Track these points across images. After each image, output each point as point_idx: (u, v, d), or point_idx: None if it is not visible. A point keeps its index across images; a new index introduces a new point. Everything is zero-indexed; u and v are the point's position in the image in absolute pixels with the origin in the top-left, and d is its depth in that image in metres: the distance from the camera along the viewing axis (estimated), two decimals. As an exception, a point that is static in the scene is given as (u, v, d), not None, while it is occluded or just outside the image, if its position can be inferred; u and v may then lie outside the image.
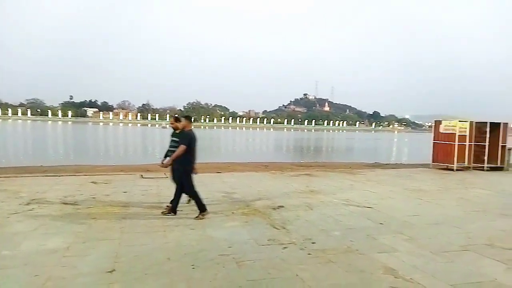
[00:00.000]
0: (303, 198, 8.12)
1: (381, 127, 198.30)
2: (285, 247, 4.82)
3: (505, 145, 15.05)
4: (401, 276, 3.93)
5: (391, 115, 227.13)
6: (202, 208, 6.22)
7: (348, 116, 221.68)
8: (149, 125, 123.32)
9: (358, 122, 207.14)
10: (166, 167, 6.54)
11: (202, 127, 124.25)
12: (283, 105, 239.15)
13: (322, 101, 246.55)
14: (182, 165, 6.19)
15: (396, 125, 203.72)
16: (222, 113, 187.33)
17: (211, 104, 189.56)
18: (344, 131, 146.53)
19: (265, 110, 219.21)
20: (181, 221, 5.93)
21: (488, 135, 14.66)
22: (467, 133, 14.20)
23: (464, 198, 8.70)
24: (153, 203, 7.20)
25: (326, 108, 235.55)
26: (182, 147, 6.09)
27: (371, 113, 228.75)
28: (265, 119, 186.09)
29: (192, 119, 6.79)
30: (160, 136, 49.60)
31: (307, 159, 23.51)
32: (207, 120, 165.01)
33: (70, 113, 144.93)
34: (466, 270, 4.18)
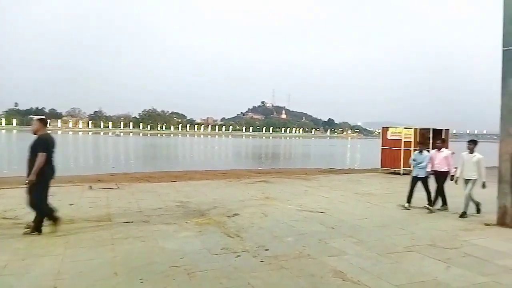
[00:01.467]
0: (258, 205, 8.15)
1: (336, 134, 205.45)
2: (238, 256, 4.79)
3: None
4: (349, 279, 4.06)
5: (344, 122, 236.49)
6: (38, 227, 5.45)
7: (304, 124, 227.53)
8: (102, 133, 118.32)
9: (313, 129, 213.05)
10: (33, 184, 5.33)
11: (158, 134, 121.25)
12: (241, 112, 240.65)
13: (279, 109, 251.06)
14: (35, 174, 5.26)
15: (349, 132, 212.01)
16: (179, 120, 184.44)
17: (167, 111, 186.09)
18: (301, 138, 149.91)
19: (224, 118, 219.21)
20: (131, 233, 5.71)
21: (431, 141, 15.66)
22: (412, 139, 15.08)
23: (410, 200, 9.18)
24: (101, 215, 6.87)
25: (283, 116, 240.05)
26: (42, 156, 5.26)
27: (326, 120, 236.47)
28: (224, 126, 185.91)
29: (48, 122, 6.02)
30: (113, 144, 47.66)
31: (265, 166, 23.73)
32: (163, 127, 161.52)
33: (14, 121, 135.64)
34: (410, 271, 4.39)
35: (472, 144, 7.56)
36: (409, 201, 8.19)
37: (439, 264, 4.61)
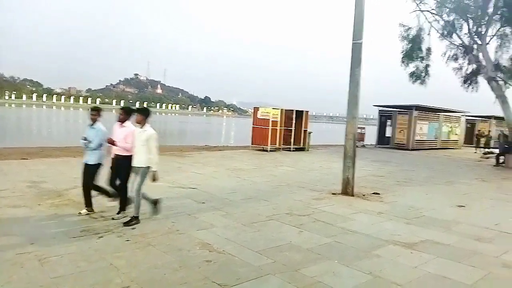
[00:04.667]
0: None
1: (212, 111, 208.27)
2: (100, 237, 4.50)
3: (306, 130, 18.09)
4: (215, 250, 4.25)
5: (220, 100, 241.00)
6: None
7: (180, 100, 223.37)
8: None
9: (190, 106, 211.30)
10: None
11: (6, 104, 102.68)
12: (111, 84, 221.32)
13: (154, 83, 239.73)
14: None
15: (225, 110, 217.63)
16: (34, 89, 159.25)
17: (18, 78, 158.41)
18: (177, 114, 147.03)
19: (90, 89, 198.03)
20: (-37, 220, 4.77)
21: (294, 121, 17.30)
22: (279, 119, 16.39)
23: (274, 174, 10.07)
24: None
25: (159, 91, 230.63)
26: None
27: (203, 98, 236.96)
28: (90, 98, 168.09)
29: None
30: None
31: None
32: (13, 96, 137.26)
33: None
34: (270, 237, 4.85)
35: (140, 114, 5.14)
36: (88, 204, 5.40)
37: (293, 230, 5.21)
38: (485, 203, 7.98)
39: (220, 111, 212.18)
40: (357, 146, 23.31)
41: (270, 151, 15.99)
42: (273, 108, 16.66)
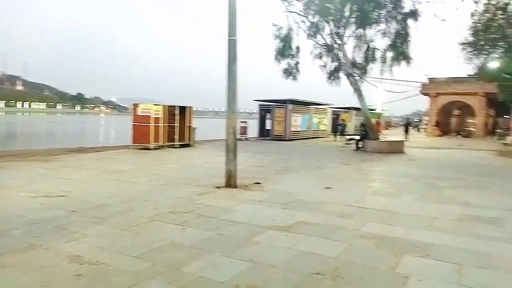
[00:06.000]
0: (-27, 197, 6.49)
1: (87, 109, 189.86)
2: None
3: (190, 125, 17.94)
4: (87, 261, 3.88)
5: (96, 97, 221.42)
6: None
7: (47, 97, 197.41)
8: None
9: (60, 104, 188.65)
10: None
11: None
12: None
13: (13, 78, 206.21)
14: None
15: (102, 108, 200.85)
16: None
17: None
18: (44, 113, 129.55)
19: None
20: None
21: (178, 117, 16.97)
22: (161, 116, 15.86)
23: (156, 173, 9.72)
24: None
25: (19, 87, 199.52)
26: None
27: (75, 94, 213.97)
28: None
29: None
30: None
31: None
32: None
33: None
34: (150, 239, 4.65)
35: None
36: None
37: (176, 228, 5.11)
38: (347, 183, 9.15)
39: (97, 109, 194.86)
40: (241, 140, 24.28)
41: (154, 149, 15.38)
42: (154, 104, 16.03)
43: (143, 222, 5.34)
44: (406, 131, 28.45)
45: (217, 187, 7.98)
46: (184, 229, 5.07)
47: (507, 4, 13.18)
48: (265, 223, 5.39)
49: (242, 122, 25.11)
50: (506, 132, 31.22)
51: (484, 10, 13.75)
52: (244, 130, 24.76)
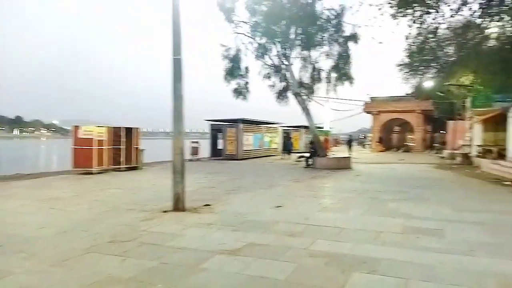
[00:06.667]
0: None
1: (26, 133, 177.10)
2: None
3: (138, 147, 17.25)
4: (6, 306, 3.40)
5: (37, 120, 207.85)
6: None
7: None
8: None
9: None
10: None
11: None
12: None
13: None
14: None
15: (43, 131, 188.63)
16: None
17: None
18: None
19: None
20: None
21: (124, 139, 16.24)
22: (105, 138, 15.08)
23: (98, 199, 9.08)
24: None
25: None
26: None
27: (13, 118, 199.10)
28: None
29: None
30: None
31: None
32: None
33: None
34: (84, 274, 4.22)
35: None
36: None
37: (115, 259, 4.70)
38: (297, 201, 9.17)
39: (37, 132, 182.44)
40: (192, 160, 23.83)
41: (97, 173, 14.50)
42: (97, 126, 15.23)
43: (77, 255, 4.86)
44: (350, 147, 30.09)
45: (164, 212, 7.60)
46: (124, 260, 4.68)
47: (437, 28, 14.35)
48: (213, 248, 5.15)
49: (193, 142, 24.70)
50: (443, 146, 33.66)
51: (417, 33, 14.85)
52: (195, 151, 24.33)
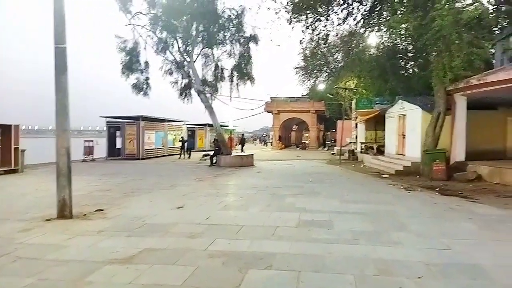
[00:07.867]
0: None
1: None
2: None
3: (18, 147, 15.09)
4: None
5: None
6: None
7: None
8: None
9: None
10: None
11: None
12: None
13: None
14: None
15: None
16: None
17: None
18: None
19: None
20: None
21: (-1, 138, 14.05)
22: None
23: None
24: None
25: None
26: None
27: None
28: None
29: None
30: None
31: None
32: None
33: None
34: None
35: None
36: None
37: (-21, 282, 3.99)
38: (200, 200, 9.05)
39: None
40: (86, 161, 21.95)
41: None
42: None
43: None
44: (242, 146, 31.60)
45: (47, 220, 6.77)
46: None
47: (327, 35, 15.63)
48: (102, 258, 4.73)
49: (87, 141, 22.72)
50: (334, 144, 36.99)
51: (309, 39, 15.96)
52: (90, 150, 22.39)
